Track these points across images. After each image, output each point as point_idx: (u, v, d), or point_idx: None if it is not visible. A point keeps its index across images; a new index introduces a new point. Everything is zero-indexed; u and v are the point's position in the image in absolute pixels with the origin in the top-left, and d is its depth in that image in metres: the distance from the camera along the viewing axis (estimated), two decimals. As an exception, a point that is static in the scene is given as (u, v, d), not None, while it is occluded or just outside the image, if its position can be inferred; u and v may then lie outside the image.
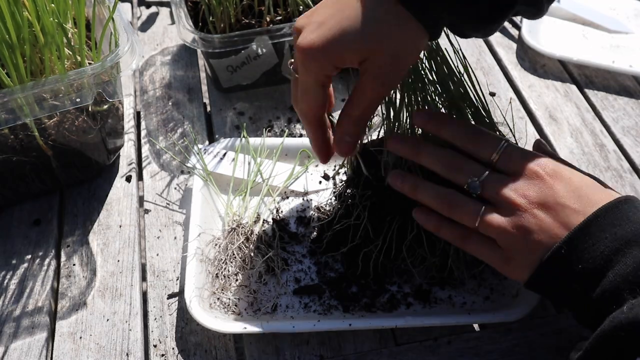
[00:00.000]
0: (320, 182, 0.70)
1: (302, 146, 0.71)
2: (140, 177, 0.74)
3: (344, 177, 0.67)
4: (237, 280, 0.61)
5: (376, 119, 0.61)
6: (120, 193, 0.71)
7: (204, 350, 0.58)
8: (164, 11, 0.97)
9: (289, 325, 0.56)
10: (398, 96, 0.56)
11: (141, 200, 0.71)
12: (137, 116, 0.81)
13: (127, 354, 0.57)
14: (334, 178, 0.70)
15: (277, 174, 0.69)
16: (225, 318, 0.57)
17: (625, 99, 0.83)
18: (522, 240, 0.47)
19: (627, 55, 0.88)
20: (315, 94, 0.51)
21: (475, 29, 0.50)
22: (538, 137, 0.78)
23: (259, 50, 0.77)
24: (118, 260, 0.64)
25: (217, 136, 0.78)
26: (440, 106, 0.57)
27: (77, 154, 0.67)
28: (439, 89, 0.56)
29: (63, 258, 0.65)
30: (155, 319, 0.60)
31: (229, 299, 0.59)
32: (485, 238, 0.50)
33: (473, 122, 0.57)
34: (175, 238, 0.67)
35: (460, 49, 0.57)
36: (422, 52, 0.55)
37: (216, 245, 0.62)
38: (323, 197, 0.68)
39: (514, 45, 0.91)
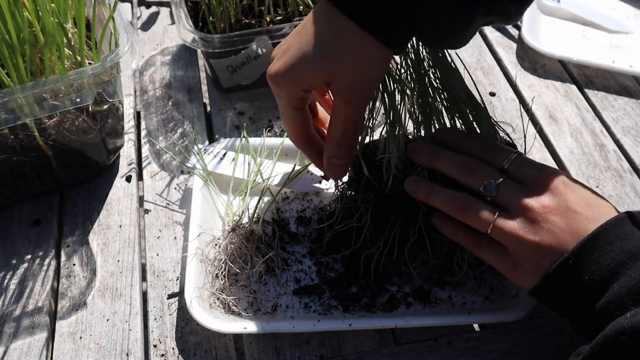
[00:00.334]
0: (320, 182, 0.70)
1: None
2: (140, 177, 0.74)
3: (345, 178, 0.67)
4: (237, 280, 0.61)
5: (377, 120, 0.61)
6: (120, 193, 0.71)
7: (204, 350, 0.58)
8: (164, 11, 0.97)
9: (289, 325, 0.56)
10: (398, 97, 0.56)
11: (141, 200, 0.71)
12: (137, 116, 0.81)
13: (127, 354, 0.57)
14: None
15: (277, 174, 0.69)
16: (225, 318, 0.57)
17: (625, 99, 0.83)
18: (532, 246, 0.48)
19: (627, 55, 0.88)
20: (291, 117, 0.54)
21: (441, 44, 0.52)
22: (538, 137, 0.78)
23: (259, 50, 0.77)
24: (118, 260, 0.64)
25: (217, 136, 0.78)
26: (442, 108, 0.57)
27: (77, 154, 0.67)
28: (440, 88, 0.56)
29: (63, 258, 0.65)
30: (155, 319, 0.60)
31: (229, 299, 0.59)
32: (496, 244, 0.51)
33: (474, 123, 0.57)
34: (175, 238, 0.67)
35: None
36: (423, 52, 0.55)
37: (216, 245, 0.62)
38: (323, 197, 0.68)
39: (514, 45, 0.91)
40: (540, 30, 0.92)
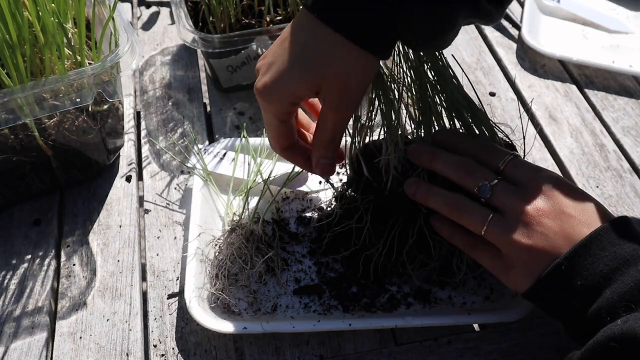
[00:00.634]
0: (320, 182, 0.70)
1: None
2: (140, 177, 0.74)
3: (344, 178, 0.67)
4: (237, 280, 0.61)
5: (377, 119, 0.61)
6: (120, 193, 0.71)
7: (204, 350, 0.58)
8: (164, 11, 0.97)
9: (289, 325, 0.56)
10: (397, 95, 0.56)
11: (141, 200, 0.71)
12: (137, 116, 0.81)
13: (127, 354, 0.57)
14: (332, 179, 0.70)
15: (277, 174, 0.69)
16: (225, 318, 0.57)
17: (625, 99, 0.83)
18: (525, 249, 0.48)
19: (627, 55, 0.88)
20: (277, 129, 0.54)
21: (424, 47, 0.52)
22: (538, 137, 0.78)
23: (259, 50, 0.77)
24: (118, 260, 0.64)
25: (217, 136, 0.78)
26: (441, 108, 0.57)
27: (77, 154, 0.67)
28: (438, 88, 0.56)
29: (63, 258, 0.65)
30: (155, 319, 0.60)
31: (229, 299, 0.59)
32: (490, 246, 0.51)
33: (473, 125, 0.57)
34: (175, 238, 0.67)
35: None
36: (423, 54, 0.55)
37: (216, 245, 0.62)
38: (323, 197, 0.68)
39: (514, 45, 0.91)
40: (540, 30, 0.92)
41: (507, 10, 0.93)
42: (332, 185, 0.68)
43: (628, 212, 0.70)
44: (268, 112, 0.53)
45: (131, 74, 0.84)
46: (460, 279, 0.60)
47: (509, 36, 0.93)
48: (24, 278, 0.63)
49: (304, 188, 0.69)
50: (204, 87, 0.85)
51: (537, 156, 0.76)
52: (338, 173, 0.69)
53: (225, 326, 0.55)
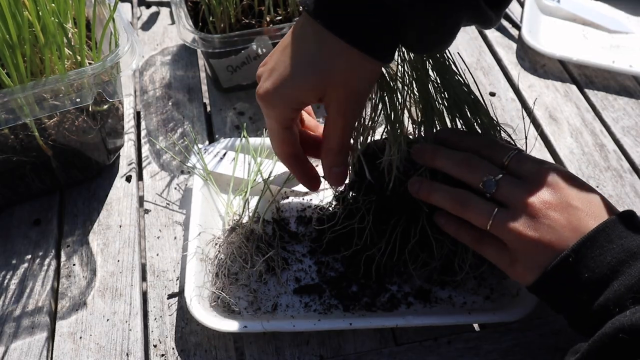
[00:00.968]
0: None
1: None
2: (140, 177, 0.74)
3: (346, 179, 0.67)
4: (237, 279, 0.61)
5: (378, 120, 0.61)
6: (120, 193, 0.71)
7: (204, 350, 0.58)
8: (164, 11, 0.97)
9: (289, 324, 0.56)
10: (400, 98, 0.56)
11: (141, 200, 0.71)
12: (137, 116, 0.81)
13: (127, 354, 0.57)
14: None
15: (277, 174, 0.69)
16: (226, 317, 0.57)
17: (625, 99, 0.83)
18: (532, 242, 0.48)
19: (627, 55, 0.88)
20: (280, 136, 0.54)
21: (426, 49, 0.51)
22: (538, 137, 0.78)
23: (259, 50, 0.77)
24: (118, 260, 0.64)
25: (217, 136, 0.78)
26: (442, 109, 0.57)
27: (77, 154, 0.67)
28: (441, 88, 0.56)
29: (63, 258, 0.65)
30: (155, 319, 0.60)
31: (229, 298, 0.59)
32: (496, 240, 0.51)
33: (475, 124, 0.57)
34: (175, 238, 0.67)
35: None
36: (423, 55, 0.55)
37: (216, 244, 0.62)
38: (323, 197, 0.68)
39: (514, 45, 0.91)
40: (540, 30, 0.92)
41: (507, 10, 0.93)
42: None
43: (628, 212, 0.70)
44: (271, 119, 0.53)
45: (131, 74, 0.84)
46: (461, 278, 0.60)
47: (509, 36, 0.93)
48: (24, 278, 0.63)
49: (304, 188, 0.69)
50: (204, 87, 0.85)
51: (537, 156, 0.75)
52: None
53: (226, 325, 0.55)
